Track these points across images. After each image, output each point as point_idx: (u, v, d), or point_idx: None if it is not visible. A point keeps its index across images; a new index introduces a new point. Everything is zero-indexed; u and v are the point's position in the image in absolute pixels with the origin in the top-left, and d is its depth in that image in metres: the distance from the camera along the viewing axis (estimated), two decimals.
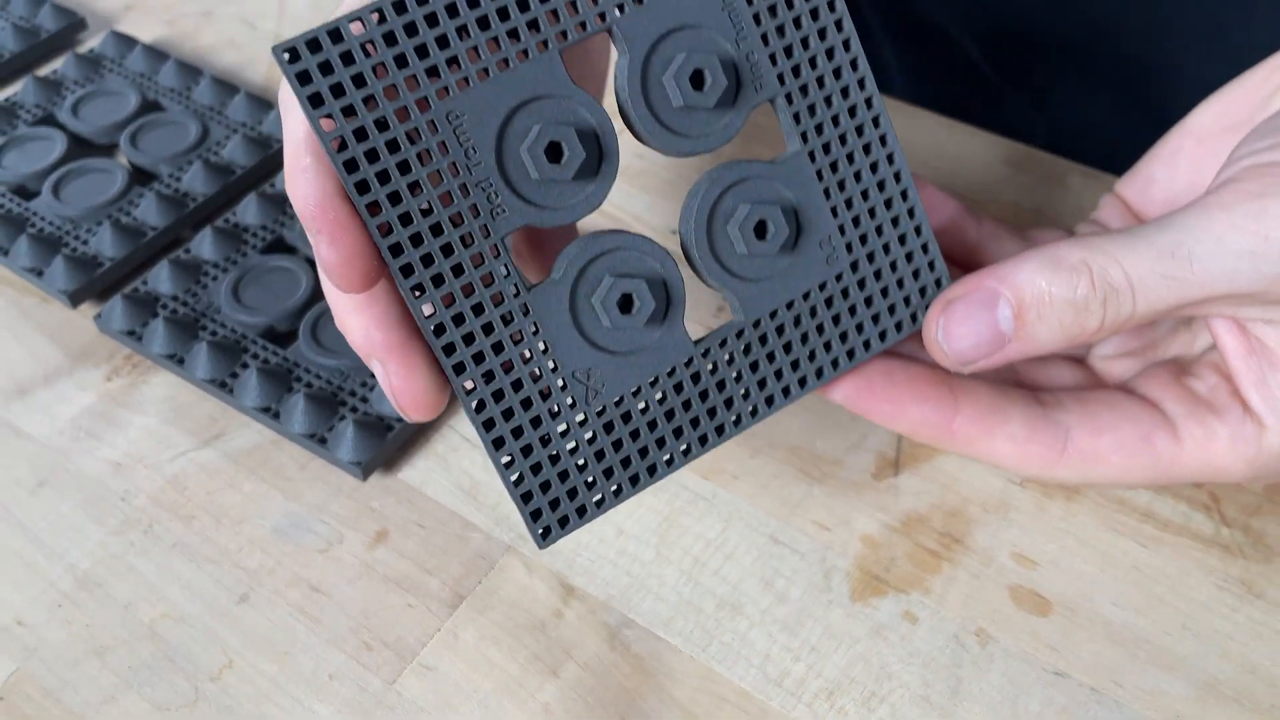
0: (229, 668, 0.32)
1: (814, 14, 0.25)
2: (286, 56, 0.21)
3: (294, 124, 0.24)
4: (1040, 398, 0.28)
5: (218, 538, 0.35)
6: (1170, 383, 0.29)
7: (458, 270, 0.23)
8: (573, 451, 0.24)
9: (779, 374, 0.25)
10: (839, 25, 0.25)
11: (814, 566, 0.33)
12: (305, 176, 0.23)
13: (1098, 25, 0.47)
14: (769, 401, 0.25)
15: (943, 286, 0.26)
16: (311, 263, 0.41)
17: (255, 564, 0.34)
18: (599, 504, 0.24)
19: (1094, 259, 0.25)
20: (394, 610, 0.33)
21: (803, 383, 0.25)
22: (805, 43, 0.25)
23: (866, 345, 0.26)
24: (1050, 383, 0.30)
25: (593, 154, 0.24)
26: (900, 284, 0.26)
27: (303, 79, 0.21)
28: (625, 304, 0.24)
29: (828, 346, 0.26)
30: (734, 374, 0.25)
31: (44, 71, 0.51)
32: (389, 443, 0.36)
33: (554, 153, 0.23)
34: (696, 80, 0.24)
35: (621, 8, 0.24)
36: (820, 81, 0.25)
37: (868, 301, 0.26)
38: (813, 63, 0.25)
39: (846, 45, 0.25)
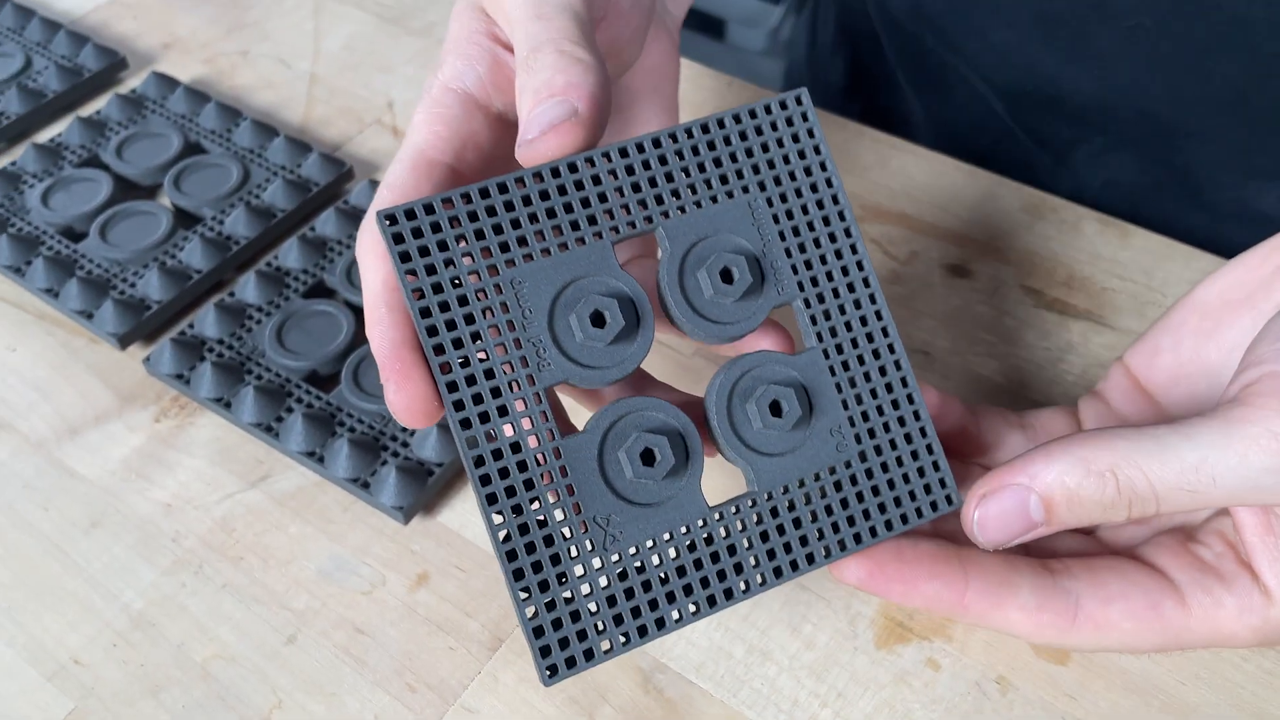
0: (279, 708, 0.33)
1: (831, 237, 0.29)
2: (387, 222, 0.25)
3: (373, 275, 0.27)
4: (1049, 565, 0.29)
5: (265, 579, 0.36)
6: (1177, 550, 0.30)
7: (502, 411, 0.26)
8: (587, 595, 0.26)
9: (788, 547, 0.27)
10: (853, 249, 0.29)
11: (839, 613, 0.34)
12: (380, 327, 0.27)
13: (1122, 86, 0.48)
14: (777, 573, 0.27)
15: (945, 486, 0.28)
16: (351, 306, 0.43)
17: (302, 605, 0.35)
18: (606, 651, 0.26)
19: (1121, 467, 0.26)
20: (436, 652, 0.34)
21: (810, 559, 0.27)
22: (823, 259, 0.29)
23: (873, 532, 0.28)
24: (1057, 549, 0.31)
25: (631, 322, 0.27)
26: (906, 479, 0.28)
27: (396, 239, 0.25)
28: (648, 457, 0.26)
29: (835, 528, 0.28)
30: (745, 541, 0.27)
31: (87, 112, 0.53)
32: (429, 488, 0.37)
33: (597, 319, 0.27)
34: (726, 276, 0.28)
35: (666, 214, 0.28)
36: (835, 292, 0.29)
37: (874, 490, 0.28)
38: (829, 276, 0.29)
39: (860, 265, 0.29)
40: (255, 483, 0.39)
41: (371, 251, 0.27)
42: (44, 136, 0.52)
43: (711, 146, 0.28)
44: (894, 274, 0.45)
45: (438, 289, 0.26)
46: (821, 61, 0.66)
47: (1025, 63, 0.51)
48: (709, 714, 0.33)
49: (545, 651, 0.25)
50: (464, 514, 0.37)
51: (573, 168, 0.27)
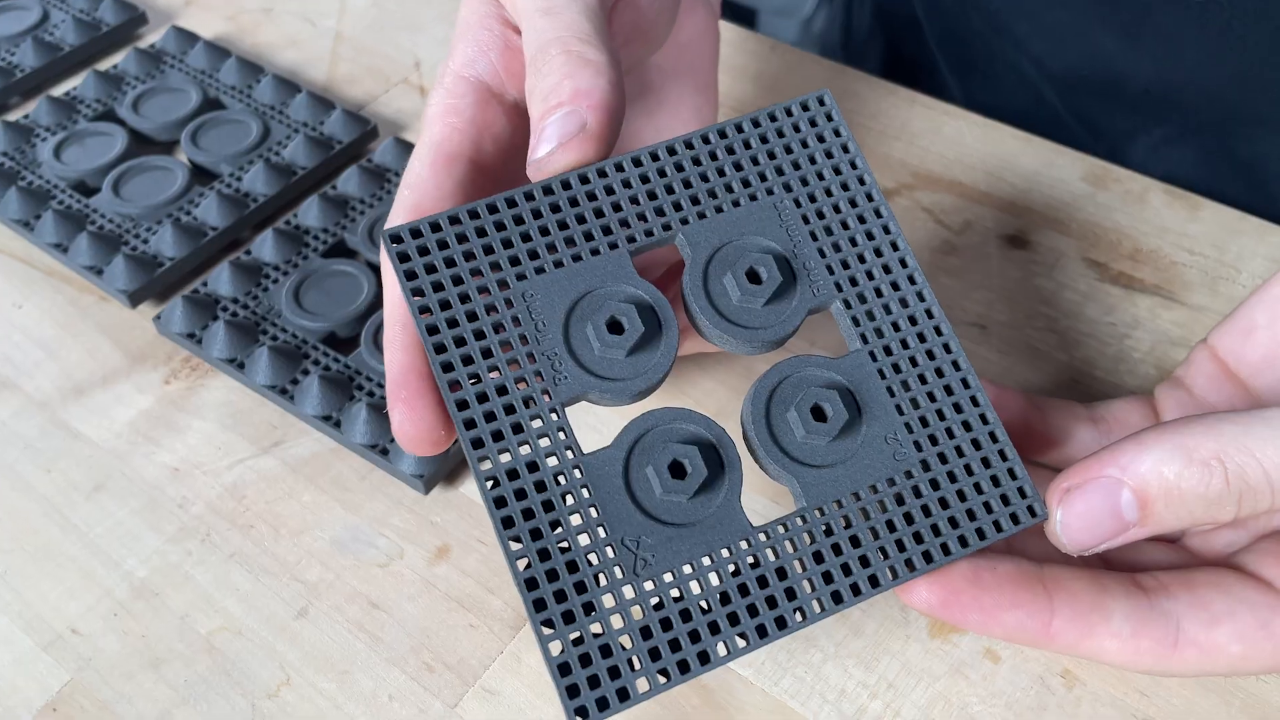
0: (286, 684, 0.31)
1: (869, 235, 0.27)
2: (393, 242, 0.25)
3: (390, 290, 0.27)
4: (1141, 583, 0.26)
5: (276, 549, 0.34)
6: None
7: (516, 428, 0.24)
8: (619, 628, 0.23)
9: (847, 569, 0.24)
10: (894, 245, 0.27)
11: (889, 598, 0.32)
12: (392, 347, 0.26)
13: (1187, 70, 0.45)
14: (836, 598, 0.24)
15: (1027, 496, 0.25)
16: (373, 267, 0.41)
17: (314, 577, 0.33)
18: (645, 691, 0.23)
19: (1230, 454, 0.23)
20: (456, 630, 0.32)
21: (874, 582, 0.24)
22: (861, 258, 0.27)
23: (945, 549, 0.25)
24: (1145, 562, 0.28)
25: (652, 329, 0.25)
26: (978, 488, 0.25)
27: (401, 258, 0.25)
28: (676, 470, 0.24)
29: (900, 546, 0.24)
30: (796, 564, 0.24)
31: (104, 66, 0.51)
32: (451, 456, 0.35)
33: (615, 327, 0.25)
34: (753, 277, 0.26)
35: (686, 220, 0.26)
36: (878, 291, 0.27)
37: (942, 503, 0.25)
38: (869, 275, 0.27)
39: (903, 262, 0.27)
40: (268, 448, 0.36)
41: (388, 265, 0.27)
42: (59, 91, 0.50)
43: (730, 151, 0.27)
44: (948, 244, 0.43)
45: (445, 306, 0.25)
46: (856, 48, 0.63)
47: (1081, 45, 0.47)
48: (749, 703, 0.30)
49: (573, 691, 0.22)
50: None
51: (584, 179, 0.26)
